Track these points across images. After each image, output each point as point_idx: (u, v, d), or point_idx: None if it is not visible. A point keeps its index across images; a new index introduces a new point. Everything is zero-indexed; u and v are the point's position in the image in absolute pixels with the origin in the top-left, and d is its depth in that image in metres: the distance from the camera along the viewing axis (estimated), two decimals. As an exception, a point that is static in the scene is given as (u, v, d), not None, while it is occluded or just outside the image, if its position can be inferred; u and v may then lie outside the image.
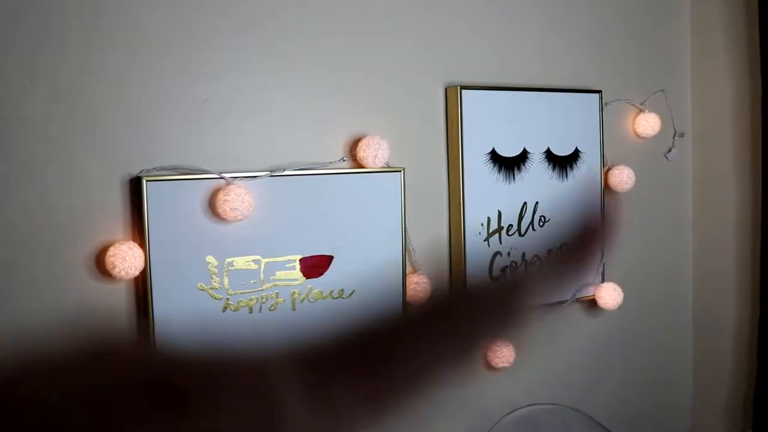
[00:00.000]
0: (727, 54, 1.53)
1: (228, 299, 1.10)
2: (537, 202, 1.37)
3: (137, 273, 1.02)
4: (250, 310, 1.12)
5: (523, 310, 0.22)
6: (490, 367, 1.37)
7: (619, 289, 1.45)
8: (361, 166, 1.19)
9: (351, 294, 1.19)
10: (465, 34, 1.32)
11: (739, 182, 1.53)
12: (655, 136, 1.52)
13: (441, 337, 0.22)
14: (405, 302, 1.24)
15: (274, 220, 1.12)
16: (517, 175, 1.35)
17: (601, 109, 1.43)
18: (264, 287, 1.12)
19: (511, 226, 1.35)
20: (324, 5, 1.19)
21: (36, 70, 0.99)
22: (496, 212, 1.33)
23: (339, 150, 1.20)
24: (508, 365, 1.36)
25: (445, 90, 1.30)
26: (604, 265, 1.46)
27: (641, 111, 1.52)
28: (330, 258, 1.17)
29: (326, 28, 1.19)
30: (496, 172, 1.32)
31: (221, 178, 1.07)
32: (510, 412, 1.32)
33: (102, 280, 1.04)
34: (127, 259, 1.00)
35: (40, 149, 1.00)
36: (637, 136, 1.52)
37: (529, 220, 1.37)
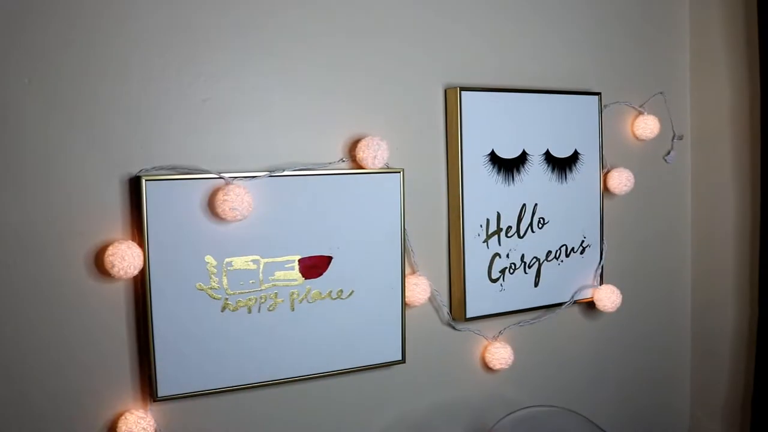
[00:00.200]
0: (726, 57, 1.54)
1: (227, 299, 1.10)
2: (536, 204, 1.37)
3: (136, 272, 1.02)
4: (249, 311, 1.12)
5: None
6: (488, 368, 1.37)
7: (618, 291, 1.45)
8: (361, 167, 1.19)
9: (350, 294, 1.20)
10: (465, 35, 1.32)
11: (738, 185, 1.53)
12: (654, 139, 1.53)
13: None
14: (404, 303, 1.24)
15: (273, 220, 1.12)
16: (517, 177, 1.35)
17: (601, 111, 1.43)
18: (263, 287, 1.12)
19: (510, 227, 1.35)
20: (324, 5, 1.19)
21: (36, 70, 0.99)
22: (495, 214, 1.33)
23: (338, 150, 1.20)
24: (507, 367, 1.37)
25: (445, 91, 1.30)
26: (602, 267, 1.47)
27: (640, 113, 1.52)
28: (329, 258, 1.17)
29: (326, 28, 1.19)
30: (496, 173, 1.32)
31: (220, 178, 1.07)
32: (508, 414, 1.33)
33: (101, 279, 1.04)
34: (126, 259, 1.00)
35: (39, 149, 1.00)
36: (636, 138, 1.52)
37: (528, 221, 1.37)
